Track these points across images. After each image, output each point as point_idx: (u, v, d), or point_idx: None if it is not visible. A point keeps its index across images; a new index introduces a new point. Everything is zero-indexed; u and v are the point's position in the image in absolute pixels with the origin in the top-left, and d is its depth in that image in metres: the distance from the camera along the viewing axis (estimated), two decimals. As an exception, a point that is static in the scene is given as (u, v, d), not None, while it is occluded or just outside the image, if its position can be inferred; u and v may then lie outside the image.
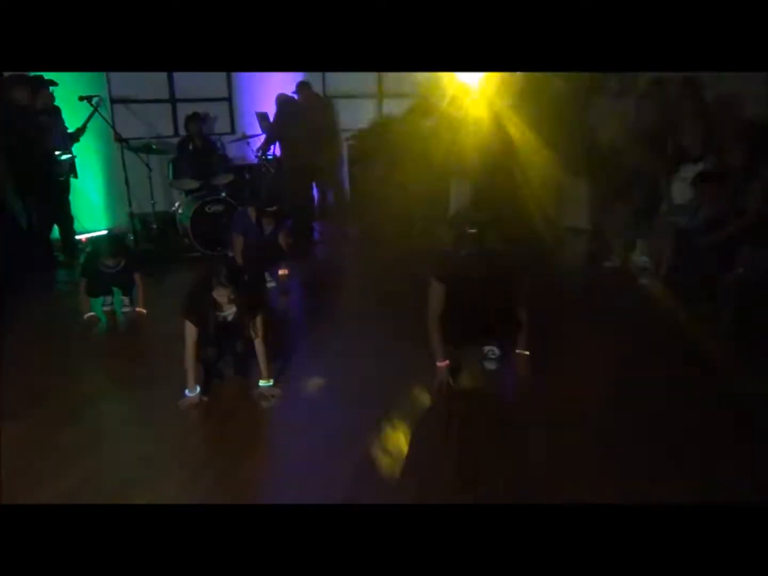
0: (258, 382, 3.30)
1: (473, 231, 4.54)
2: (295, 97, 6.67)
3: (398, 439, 2.86)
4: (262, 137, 6.94)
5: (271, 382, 3.30)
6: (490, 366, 3.54)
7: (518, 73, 6.38)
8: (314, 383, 3.53)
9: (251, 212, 4.82)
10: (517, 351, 3.36)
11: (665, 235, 4.72)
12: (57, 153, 5.57)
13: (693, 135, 4.85)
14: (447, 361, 3.32)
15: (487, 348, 3.57)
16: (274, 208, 4.75)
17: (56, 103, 5.74)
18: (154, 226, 6.19)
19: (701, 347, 3.77)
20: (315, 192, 7.29)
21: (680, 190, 4.91)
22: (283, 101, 6.43)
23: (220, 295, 3.09)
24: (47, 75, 5.65)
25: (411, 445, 2.82)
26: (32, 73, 5.45)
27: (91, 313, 4.37)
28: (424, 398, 3.24)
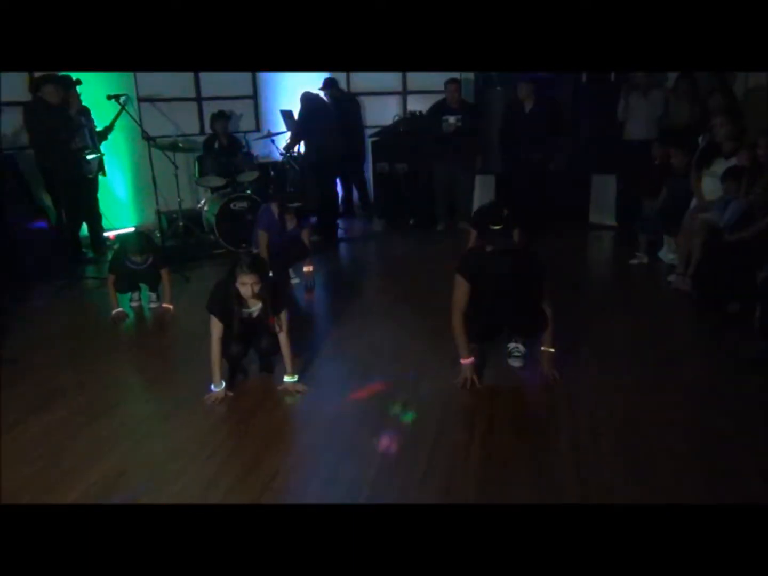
0: (283, 377, 3.32)
1: (497, 227, 4.55)
2: (320, 94, 6.68)
3: (422, 436, 2.86)
4: (287, 135, 6.98)
5: (295, 378, 3.32)
6: (515, 363, 3.52)
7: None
8: (338, 379, 3.55)
9: (274, 208, 4.84)
10: (542, 348, 3.33)
11: (694, 232, 4.63)
12: (86, 151, 5.66)
13: (724, 130, 4.75)
14: (472, 358, 3.31)
15: (511, 345, 3.55)
16: (297, 204, 4.77)
17: (84, 102, 5.83)
18: (181, 223, 6.26)
19: (731, 347, 3.70)
20: (339, 188, 7.31)
21: (710, 186, 4.82)
22: (307, 98, 6.45)
23: (244, 283, 3.10)
24: (74, 74, 5.75)
25: (435, 442, 2.81)
26: (60, 73, 5.54)
27: (119, 309, 4.44)
28: (449, 395, 3.23)
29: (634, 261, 5.45)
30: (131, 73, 6.64)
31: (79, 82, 5.72)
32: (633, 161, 6.09)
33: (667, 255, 5.40)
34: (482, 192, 7.01)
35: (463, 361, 3.30)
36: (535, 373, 3.38)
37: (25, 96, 5.75)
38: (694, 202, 4.96)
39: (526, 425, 3.00)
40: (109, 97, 5.69)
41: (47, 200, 5.87)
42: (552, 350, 3.31)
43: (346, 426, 2.97)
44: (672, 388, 3.26)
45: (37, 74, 5.73)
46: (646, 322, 4.18)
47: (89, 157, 5.72)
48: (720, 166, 4.71)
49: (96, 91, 5.89)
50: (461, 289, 3.21)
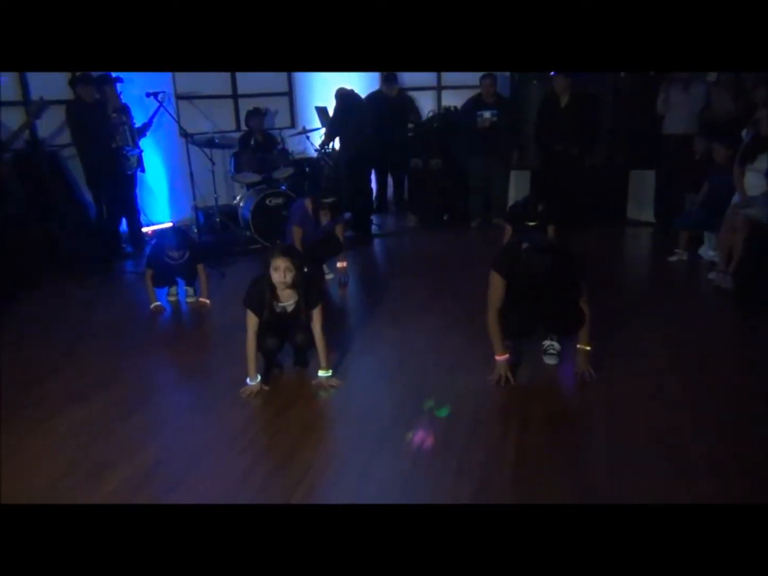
0: (317, 372, 3.34)
1: (533, 223, 4.50)
2: (354, 89, 6.68)
3: (456, 433, 2.85)
4: (322, 131, 7.01)
5: (329, 373, 3.34)
6: (550, 361, 3.48)
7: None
8: (372, 374, 3.56)
9: (308, 204, 4.86)
10: (578, 346, 3.29)
11: (736, 228, 4.52)
12: (125, 148, 5.76)
13: (769, 124, 4.62)
14: (507, 355, 3.29)
15: (547, 342, 3.52)
16: (331, 199, 4.78)
17: (124, 99, 5.94)
18: (217, 219, 6.33)
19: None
20: (374, 184, 7.30)
21: (754, 181, 4.69)
22: (342, 95, 6.47)
23: (277, 268, 3.11)
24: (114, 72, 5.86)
25: (468, 438, 2.80)
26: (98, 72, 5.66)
27: (157, 303, 4.52)
28: (483, 391, 3.21)
29: (674, 258, 5.34)
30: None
31: (119, 80, 5.84)
32: (673, 156, 5.96)
33: (707, 252, 5.28)
34: (517, 188, 6.94)
35: (497, 357, 3.27)
36: (570, 371, 3.35)
37: (68, 94, 5.87)
38: (736, 198, 4.84)
39: (561, 424, 2.96)
40: (148, 95, 5.80)
41: (88, 196, 6.00)
42: (588, 348, 3.27)
43: (380, 421, 2.98)
44: (711, 388, 3.19)
45: (77, 74, 5.86)
46: (685, 321, 4.10)
47: (129, 153, 5.83)
48: (764, 162, 4.59)
49: (135, 88, 6.00)
50: (496, 285, 3.18)
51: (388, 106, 7.09)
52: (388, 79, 7.17)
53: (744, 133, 5.18)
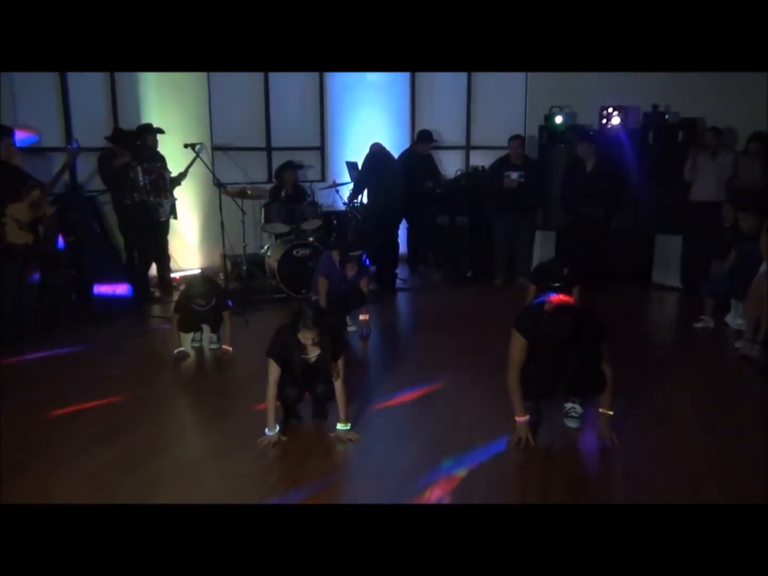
0: (336, 424, 3.34)
1: (558, 285, 4.50)
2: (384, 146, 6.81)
3: (473, 494, 2.81)
4: (351, 185, 7.16)
5: (348, 426, 3.33)
6: (572, 424, 3.44)
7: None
8: (390, 429, 3.54)
9: (335, 256, 4.93)
10: (600, 410, 3.25)
11: (764, 297, 4.47)
12: (151, 200, 5.93)
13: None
14: (527, 416, 3.25)
15: (568, 405, 3.48)
16: (358, 252, 4.85)
17: (163, 150, 6.16)
18: (244, 267, 6.45)
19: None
20: (401, 239, 7.39)
21: (781, 251, 4.67)
22: (373, 149, 6.62)
23: (305, 337, 3.16)
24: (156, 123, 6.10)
25: (486, 500, 2.76)
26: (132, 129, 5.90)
27: (182, 348, 4.57)
28: (503, 453, 3.17)
29: (700, 324, 5.29)
30: (207, 123, 6.99)
31: (160, 130, 6.07)
32: (700, 222, 5.97)
33: (735, 320, 5.22)
34: (542, 247, 6.98)
35: (518, 418, 3.24)
36: (592, 436, 3.29)
37: (102, 141, 6.12)
38: (764, 267, 4.80)
39: (581, 489, 2.90)
40: (186, 146, 6.01)
41: (120, 241, 6.17)
42: (610, 413, 3.22)
43: (397, 477, 2.95)
44: (738, 462, 3.11)
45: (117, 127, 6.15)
46: (711, 390, 4.03)
47: (162, 203, 6.01)
48: (792, 230, 4.57)
49: (174, 139, 6.22)
50: (517, 345, 3.18)
51: (417, 164, 7.23)
52: (423, 138, 7.29)
53: (772, 202, 5.19)
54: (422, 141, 7.29)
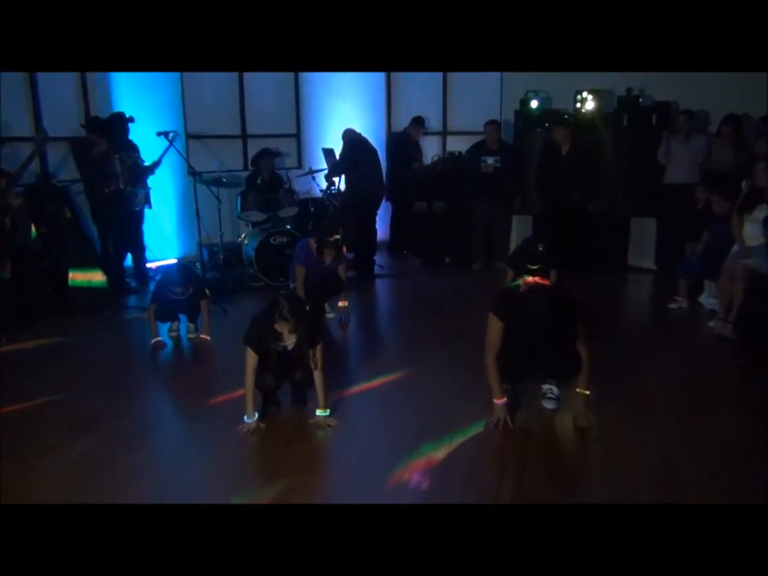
0: (315, 411, 3.34)
1: (534, 267, 4.54)
2: (357, 132, 6.79)
3: (453, 476, 2.83)
4: (327, 172, 7.13)
5: (327, 412, 3.33)
6: (549, 405, 3.48)
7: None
8: (370, 414, 3.55)
9: (312, 243, 4.92)
10: (577, 390, 3.28)
11: (736, 277, 4.55)
12: (128, 189, 5.85)
13: (766, 175, 4.68)
14: (505, 398, 3.28)
15: (546, 386, 3.52)
16: (335, 238, 4.84)
17: (134, 138, 6.07)
18: (221, 256, 6.40)
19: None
20: (378, 226, 7.38)
21: (752, 232, 4.74)
22: (350, 136, 6.60)
23: (282, 327, 3.16)
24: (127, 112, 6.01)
25: (465, 482, 2.78)
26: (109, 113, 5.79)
27: (158, 338, 4.53)
28: (481, 435, 3.20)
29: (674, 305, 5.37)
30: (181, 111, 6.90)
31: (131, 119, 5.97)
32: (674, 205, 6.04)
33: (708, 300, 5.30)
34: (519, 232, 7.01)
35: (496, 401, 3.27)
36: (569, 417, 3.33)
37: (79, 131, 6.02)
38: (735, 248, 4.88)
39: (559, 469, 2.94)
40: (159, 134, 5.92)
41: (94, 231, 6.09)
42: (587, 393, 3.27)
43: (376, 462, 2.96)
44: (709, 437, 3.17)
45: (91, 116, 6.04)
46: (685, 369, 4.10)
47: (136, 191, 5.93)
48: (762, 212, 4.64)
49: (146, 127, 6.13)
50: (495, 328, 3.20)
51: (411, 147, 7.25)
52: (416, 122, 7.35)
53: (744, 184, 5.26)
54: (416, 125, 7.33)
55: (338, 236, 4.84)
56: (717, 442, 3.12)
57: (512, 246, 6.68)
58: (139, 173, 5.97)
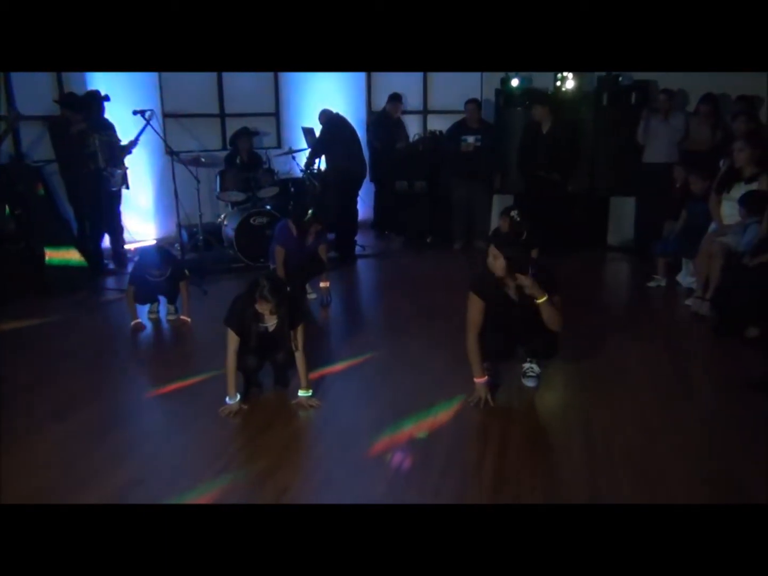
0: (297, 391, 3.34)
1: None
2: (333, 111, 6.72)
3: (434, 454, 2.86)
4: (308, 151, 7.06)
5: (309, 393, 3.34)
6: (530, 383, 3.51)
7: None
8: (351, 394, 3.56)
9: (292, 224, 4.89)
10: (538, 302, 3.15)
11: (713, 256, 4.61)
12: (105, 169, 5.75)
13: (744, 154, 4.73)
14: (486, 377, 3.31)
15: (526, 365, 3.55)
16: (313, 216, 4.81)
17: (111, 117, 5.95)
18: (201, 237, 6.33)
19: (748, 372, 3.66)
20: (359, 206, 7.36)
21: (729, 210, 4.80)
22: (327, 117, 6.54)
23: (262, 308, 3.14)
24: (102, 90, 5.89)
25: (447, 459, 2.81)
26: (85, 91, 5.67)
27: (137, 320, 4.50)
28: (462, 413, 3.23)
29: (652, 284, 5.43)
30: (157, 90, 6.78)
31: (106, 98, 5.86)
32: (653, 184, 6.08)
33: (685, 278, 5.37)
34: (500, 211, 7.02)
35: (477, 379, 3.30)
36: (549, 394, 3.37)
37: (52, 109, 5.89)
38: (713, 226, 4.94)
39: (540, 446, 2.98)
40: (135, 113, 5.81)
41: (70, 212, 5.99)
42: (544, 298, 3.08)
43: (359, 441, 2.98)
44: (687, 412, 3.24)
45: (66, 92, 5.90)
46: (663, 346, 4.16)
47: (113, 171, 5.83)
48: (739, 191, 4.69)
49: (122, 106, 6.02)
50: (475, 307, 3.22)
51: (391, 126, 7.20)
52: (393, 99, 7.29)
53: (721, 163, 5.31)
54: (393, 101, 7.28)
55: (310, 211, 4.81)
56: (694, 416, 3.18)
57: (492, 225, 6.69)
58: (116, 153, 5.87)
